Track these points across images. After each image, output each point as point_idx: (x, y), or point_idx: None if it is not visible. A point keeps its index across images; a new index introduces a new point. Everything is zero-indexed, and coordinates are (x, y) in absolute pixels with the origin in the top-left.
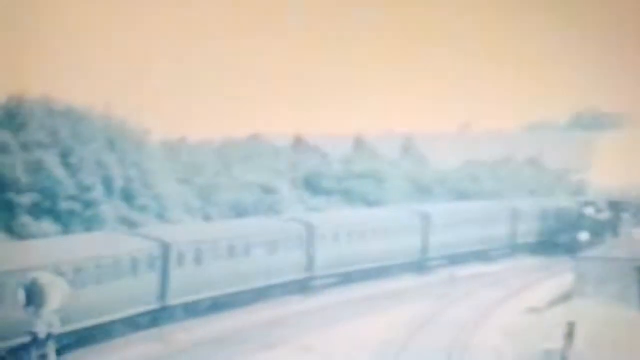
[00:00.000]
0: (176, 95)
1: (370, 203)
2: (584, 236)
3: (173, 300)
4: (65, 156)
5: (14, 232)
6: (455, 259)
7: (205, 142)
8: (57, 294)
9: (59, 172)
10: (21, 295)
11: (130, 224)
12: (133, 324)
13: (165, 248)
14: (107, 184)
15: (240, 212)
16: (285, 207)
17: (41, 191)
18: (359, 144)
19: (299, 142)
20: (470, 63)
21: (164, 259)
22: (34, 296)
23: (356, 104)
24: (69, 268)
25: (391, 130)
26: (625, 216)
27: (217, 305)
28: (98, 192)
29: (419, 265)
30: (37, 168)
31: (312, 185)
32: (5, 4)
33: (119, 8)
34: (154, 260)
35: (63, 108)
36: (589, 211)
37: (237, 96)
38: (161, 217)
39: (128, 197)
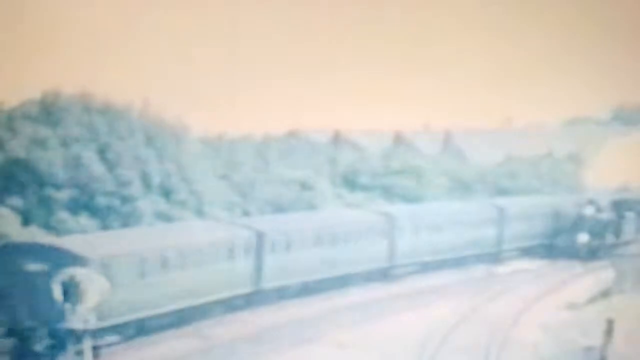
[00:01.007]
0: (216, 91)
1: (409, 199)
2: (583, 238)
3: (266, 284)
4: (103, 151)
5: (52, 228)
6: (527, 251)
7: (244, 138)
8: (94, 290)
9: (97, 167)
10: (58, 291)
11: (168, 220)
12: (229, 305)
13: (260, 236)
14: (145, 179)
15: (278, 208)
16: (323, 203)
17: (79, 186)
18: (398, 139)
19: (337, 138)
20: (509, 58)
21: (259, 246)
22: (70, 292)
23: (395, 99)
24: (173, 253)
25: (430, 126)
26: (630, 215)
27: (306, 290)
28: (136, 188)
29: (494, 257)
30: (74, 163)
31: (350, 181)
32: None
33: (158, 3)
34: (250, 247)
35: (101, 104)
36: (589, 211)
37: (276, 92)
38: (199, 212)
39: (166, 192)
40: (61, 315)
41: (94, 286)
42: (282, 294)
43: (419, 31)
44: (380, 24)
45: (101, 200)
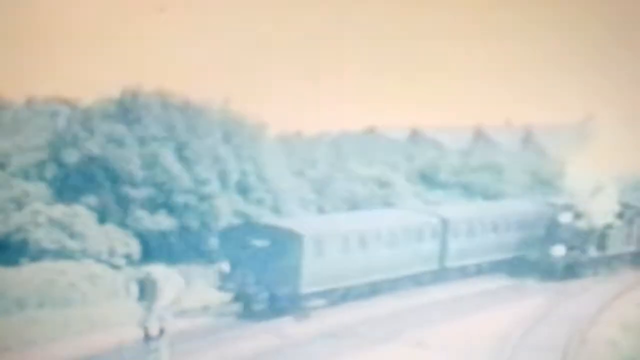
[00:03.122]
0: (294, 89)
1: (488, 196)
2: (558, 251)
3: (449, 263)
4: (180, 150)
5: (128, 226)
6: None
7: (321, 135)
8: (170, 288)
9: (175, 166)
10: (134, 289)
11: (244, 218)
12: (417, 281)
13: (445, 222)
14: (223, 177)
15: (353, 205)
16: (400, 201)
17: (156, 185)
18: (478, 135)
19: (415, 135)
20: (593, 51)
21: (444, 230)
22: (146, 290)
23: (475, 94)
24: (371, 234)
25: (510, 121)
26: (616, 224)
27: (480, 271)
28: (213, 186)
29: None
30: (152, 162)
31: (428, 179)
32: None
33: (238, 3)
34: (436, 231)
35: (179, 102)
36: (566, 218)
37: (354, 89)
38: (275, 210)
39: (243, 190)
40: (280, 282)
41: (170, 284)
42: (463, 273)
43: (497, 26)
44: (458, 20)
45: (178, 199)
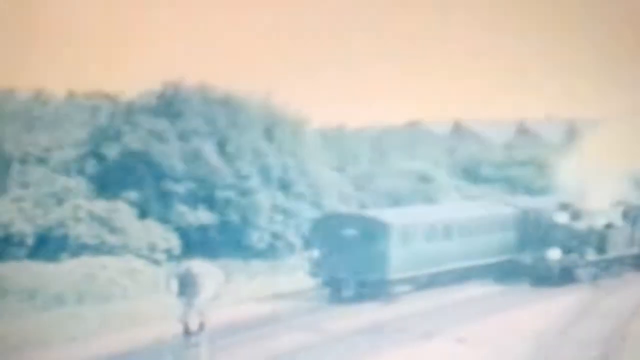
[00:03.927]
0: (335, 83)
1: (532, 191)
2: (554, 254)
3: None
4: (222, 144)
5: (169, 221)
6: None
7: (363, 129)
8: (210, 283)
9: (216, 160)
10: (174, 285)
11: (285, 213)
12: (495, 269)
13: (524, 213)
14: (264, 172)
15: (395, 200)
16: (442, 196)
17: (197, 180)
18: (522, 129)
19: (457, 128)
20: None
21: (522, 221)
22: (186, 285)
23: (518, 87)
24: (455, 223)
25: (555, 115)
26: (617, 224)
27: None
28: (254, 181)
29: None
30: (193, 156)
31: (471, 173)
32: None
33: None
34: (514, 221)
35: (221, 95)
36: (562, 218)
37: (396, 83)
38: (316, 205)
39: (284, 185)
40: (368, 269)
41: (210, 279)
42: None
43: (540, 19)
44: (500, 13)
45: (220, 194)
